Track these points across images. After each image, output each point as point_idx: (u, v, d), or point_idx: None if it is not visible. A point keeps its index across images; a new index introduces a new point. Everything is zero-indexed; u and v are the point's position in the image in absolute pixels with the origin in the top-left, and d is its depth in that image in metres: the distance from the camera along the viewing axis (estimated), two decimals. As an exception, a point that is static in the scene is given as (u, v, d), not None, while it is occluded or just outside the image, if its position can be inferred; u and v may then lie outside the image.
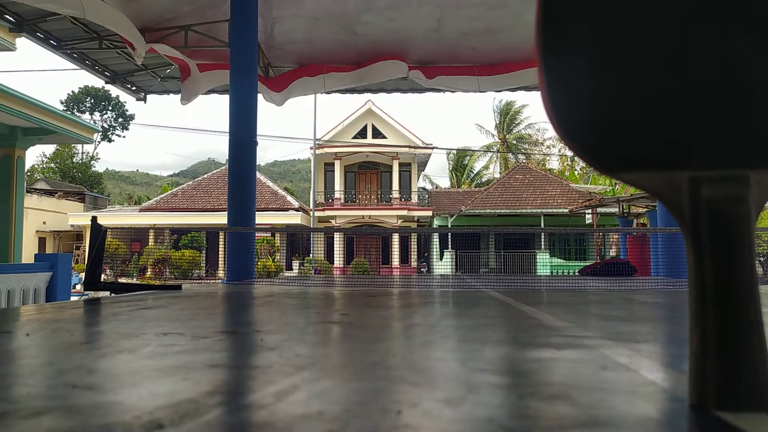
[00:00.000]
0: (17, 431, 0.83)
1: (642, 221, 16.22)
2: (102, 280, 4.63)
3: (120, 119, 45.61)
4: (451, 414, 0.94)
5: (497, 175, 37.36)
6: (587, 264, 14.79)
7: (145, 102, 10.53)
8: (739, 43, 0.86)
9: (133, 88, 10.17)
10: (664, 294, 4.46)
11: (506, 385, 1.23)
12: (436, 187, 37.60)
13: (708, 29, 0.87)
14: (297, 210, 27.11)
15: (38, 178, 35.70)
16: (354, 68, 9.32)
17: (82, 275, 7.91)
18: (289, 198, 28.52)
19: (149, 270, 22.60)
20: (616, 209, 16.19)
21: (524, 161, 34.56)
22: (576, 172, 30.03)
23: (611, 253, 23.76)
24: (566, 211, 23.62)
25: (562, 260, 24.56)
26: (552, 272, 20.83)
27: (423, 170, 33.25)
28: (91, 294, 5.34)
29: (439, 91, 10.31)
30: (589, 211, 19.64)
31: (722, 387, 0.88)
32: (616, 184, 18.59)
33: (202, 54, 8.66)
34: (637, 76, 0.90)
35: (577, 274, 12.49)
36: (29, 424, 0.86)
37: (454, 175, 41.60)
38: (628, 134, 0.92)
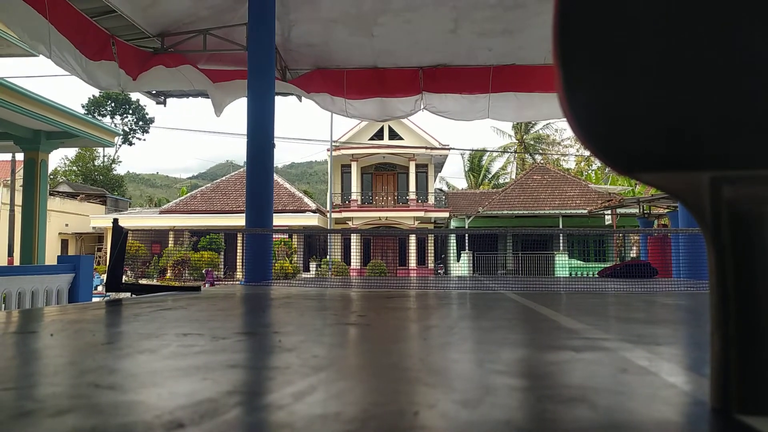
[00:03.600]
0: (43, 429, 0.85)
1: (663, 222, 15.96)
2: (123, 281, 4.69)
3: (140, 123, 46.25)
4: (468, 416, 0.94)
5: (514, 176, 37.09)
6: (607, 265, 14.61)
7: (165, 105, 10.63)
8: (760, 42, 0.84)
9: (153, 91, 10.29)
10: (686, 296, 4.39)
11: (524, 387, 1.22)
12: (453, 189, 37.46)
13: (726, 29, 0.86)
14: (314, 212, 27.24)
15: (61, 181, 36.34)
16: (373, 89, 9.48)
17: (104, 276, 8.03)
18: (306, 200, 28.67)
19: (169, 271, 22.89)
20: (637, 210, 15.97)
21: (542, 162, 34.25)
22: (592, 173, 29.68)
23: (631, 255, 23.44)
24: (585, 211, 23.38)
25: (581, 262, 24.32)
26: (571, 274, 20.63)
27: (440, 171, 33.16)
28: (113, 295, 5.42)
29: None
30: (609, 211, 19.40)
31: (744, 390, 0.87)
32: (636, 184, 18.35)
33: (216, 63, 8.75)
34: (656, 77, 0.89)
35: (596, 275, 12.36)
36: (54, 422, 0.88)
37: (470, 176, 41.39)
38: (647, 134, 0.91)
